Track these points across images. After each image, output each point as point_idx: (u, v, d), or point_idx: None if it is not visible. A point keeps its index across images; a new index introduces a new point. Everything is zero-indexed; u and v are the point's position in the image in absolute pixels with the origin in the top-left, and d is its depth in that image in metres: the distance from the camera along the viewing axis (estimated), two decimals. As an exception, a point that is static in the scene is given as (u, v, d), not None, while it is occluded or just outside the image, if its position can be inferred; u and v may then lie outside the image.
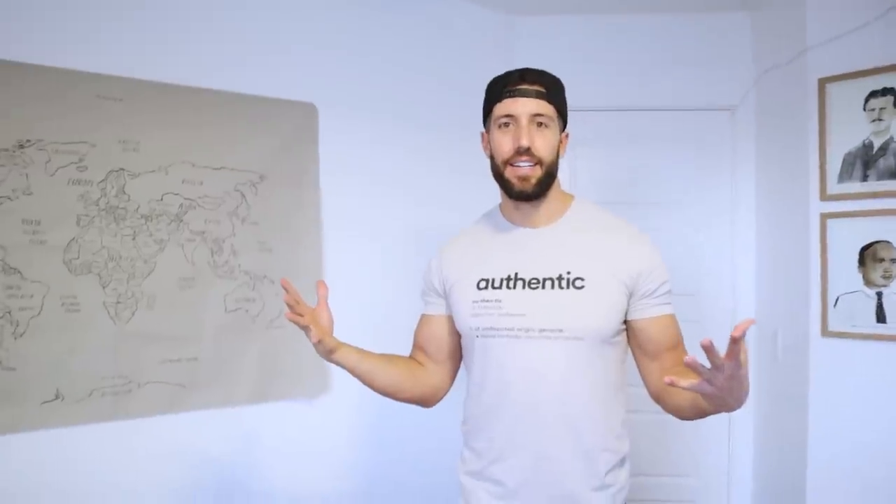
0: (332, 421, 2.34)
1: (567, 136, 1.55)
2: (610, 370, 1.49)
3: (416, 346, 1.69)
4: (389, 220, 2.51)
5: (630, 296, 1.47)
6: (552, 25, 2.86)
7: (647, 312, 1.48)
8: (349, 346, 1.56)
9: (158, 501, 2.02)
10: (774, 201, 2.69)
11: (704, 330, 2.86)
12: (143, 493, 1.99)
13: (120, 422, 1.95)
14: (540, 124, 1.46)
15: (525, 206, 1.52)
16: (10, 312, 1.78)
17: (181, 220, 2.04)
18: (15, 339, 1.78)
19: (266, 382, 2.19)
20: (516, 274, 1.51)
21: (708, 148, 2.89)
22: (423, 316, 1.68)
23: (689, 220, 2.90)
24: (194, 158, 2.07)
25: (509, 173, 1.47)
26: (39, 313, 1.82)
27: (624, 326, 1.50)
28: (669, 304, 1.51)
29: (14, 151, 1.80)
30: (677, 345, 1.50)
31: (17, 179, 1.80)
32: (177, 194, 2.04)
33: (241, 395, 2.15)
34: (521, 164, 1.45)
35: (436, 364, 1.65)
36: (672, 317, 1.51)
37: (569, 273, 1.47)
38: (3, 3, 1.81)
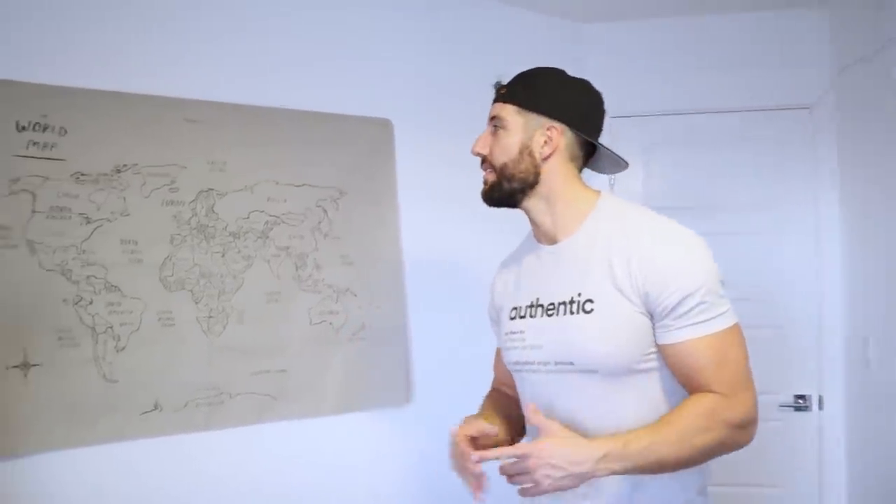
0: (414, 431, 2.37)
1: (551, 128, 1.34)
2: (644, 405, 1.28)
3: (496, 377, 1.65)
4: (466, 231, 2.54)
5: (651, 316, 1.25)
6: (621, 31, 2.86)
7: (665, 337, 1.25)
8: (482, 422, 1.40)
9: (249, 508, 2.09)
10: (861, 202, 2.61)
11: (787, 336, 2.80)
12: (234, 500, 2.06)
13: (213, 431, 2.02)
14: (495, 128, 1.38)
15: (533, 219, 1.42)
16: (111, 328, 1.88)
17: (267, 237, 2.12)
18: (117, 352, 1.88)
19: (350, 393, 2.24)
20: (537, 299, 1.39)
21: (786, 148, 2.83)
22: (497, 348, 1.61)
23: (768, 223, 2.84)
24: (277, 176, 2.15)
25: None
26: (138, 328, 1.91)
27: (653, 351, 1.28)
28: (705, 321, 1.22)
29: (112, 176, 1.90)
30: (706, 378, 1.23)
31: (116, 202, 1.90)
32: (262, 211, 2.12)
33: (327, 406, 2.20)
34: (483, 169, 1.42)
35: (509, 389, 1.56)
36: (706, 339, 1.22)
37: (579, 295, 1.30)
38: (95, 38, 1.92)
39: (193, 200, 2.01)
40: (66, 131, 1.84)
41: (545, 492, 1.19)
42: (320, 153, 2.23)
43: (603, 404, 1.29)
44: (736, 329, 1.26)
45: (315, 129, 2.23)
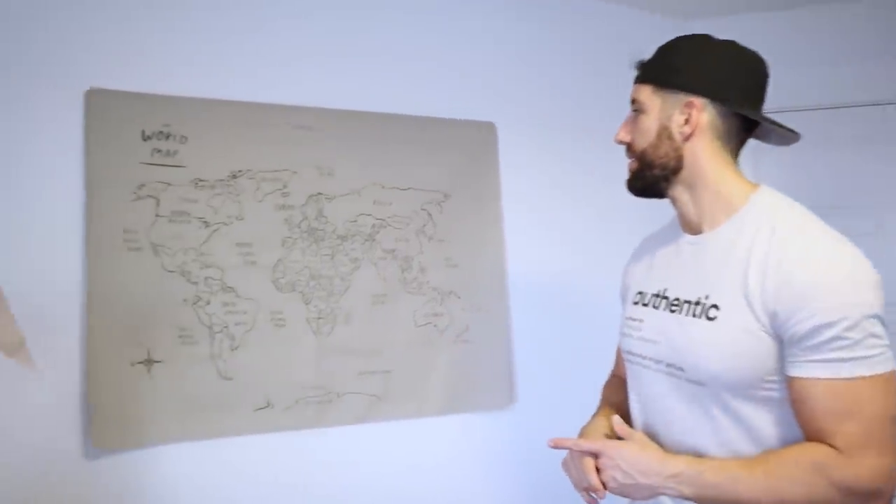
0: (517, 433, 2.36)
1: (689, 104, 1.20)
2: (746, 436, 1.14)
3: (616, 360, 1.56)
4: (570, 234, 2.52)
5: (780, 340, 1.09)
6: (729, 26, 2.73)
7: (790, 368, 1.08)
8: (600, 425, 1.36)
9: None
10: None
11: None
12: (340, 496, 2.11)
13: (322, 429, 2.07)
14: (635, 112, 1.27)
15: (677, 209, 1.29)
16: (227, 327, 1.95)
17: (373, 240, 2.16)
18: (232, 351, 1.95)
19: (454, 395, 2.25)
20: (665, 290, 1.28)
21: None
22: None
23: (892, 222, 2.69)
24: (384, 180, 2.19)
25: None
26: (252, 328, 1.98)
27: (776, 379, 1.11)
28: (838, 361, 1.03)
29: (228, 181, 1.98)
30: (826, 427, 1.05)
31: (232, 206, 1.98)
32: (369, 215, 2.16)
33: (431, 407, 2.22)
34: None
35: None
36: (835, 383, 1.03)
37: (707, 298, 1.17)
38: (211, 49, 2.01)
39: (304, 204, 2.07)
40: (186, 139, 1.93)
41: (607, 492, 1.18)
42: (425, 157, 2.26)
43: (702, 421, 1.17)
44: (884, 379, 1.04)
45: (420, 133, 2.26)
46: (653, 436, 1.25)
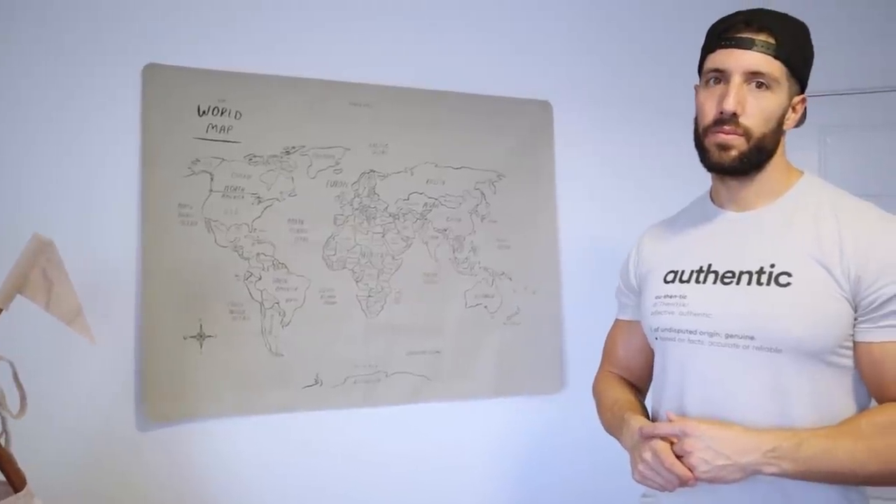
0: (567, 418, 2.33)
1: (803, 101, 1.21)
2: (823, 406, 1.13)
3: (606, 354, 1.52)
4: (625, 214, 2.44)
5: (855, 306, 1.12)
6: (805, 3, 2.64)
7: (864, 334, 1.12)
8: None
9: (398, 484, 2.12)
10: None
11: None
12: (387, 475, 2.11)
13: (370, 408, 2.07)
14: (760, 84, 1.16)
15: (733, 183, 1.24)
16: (278, 303, 1.96)
17: (425, 219, 2.14)
18: (282, 327, 1.96)
19: (503, 377, 2.22)
20: (710, 266, 1.24)
21: None
22: (616, 321, 1.52)
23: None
24: (437, 159, 2.16)
25: (709, 141, 1.20)
26: (302, 304, 1.98)
27: (850, 346, 1.14)
28: None
29: (282, 157, 1.98)
30: None
31: (284, 182, 1.98)
32: (421, 193, 2.14)
33: (480, 389, 2.20)
34: (724, 132, 1.18)
35: (630, 376, 1.46)
36: None
37: (773, 266, 1.16)
38: (266, 26, 2.00)
39: (356, 182, 2.06)
40: (240, 115, 1.93)
41: (695, 479, 1.08)
42: (479, 136, 2.22)
43: (774, 393, 1.14)
44: None
45: (474, 111, 2.22)
46: (709, 416, 1.18)
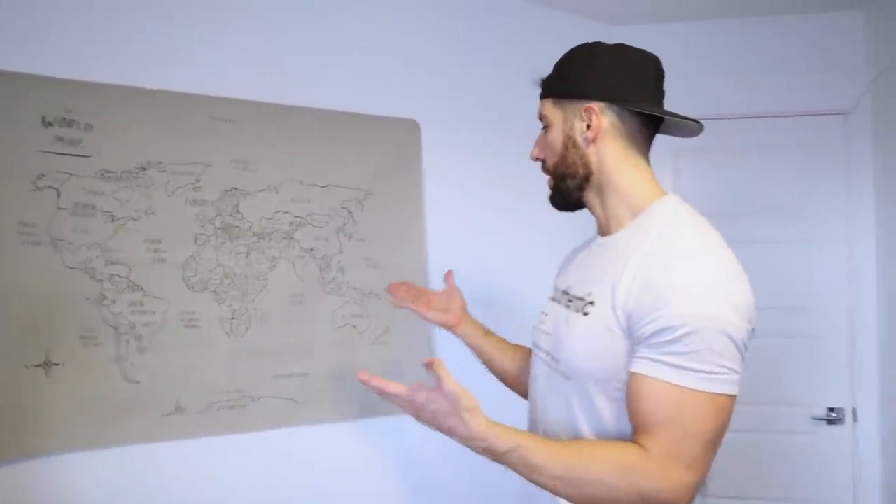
0: (438, 436, 2.32)
1: (587, 109, 1.22)
2: (609, 428, 1.15)
3: None
4: (493, 235, 2.49)
5: (632, 342, 1.10)
6: (651, 34, 2.81)
7: (631, 364, 1.09)
8: (476, 323, 1.65)
9: (271, 515, 2.05)
10: (897, 209, 2.55)
11: (820, 347, 2.74)
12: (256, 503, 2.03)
13: (236, 435, 1.98)
14: (545, 127, 1.32)
15: (591, 212, 1.31)
16: (134, 327, 1.84)
17: (291, 238, 2.08)
18: (139, 353, 1.84)
19: (374, 397, 2.17)
20: (569, 288, 1.31)
21: (820, 154, 2.76)
22: None
23: (801, 230, 2.78)
24: (302, 176, 2.11)
25: None
26: (161, 329, 1.88)
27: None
28: (675, 367, 1.03)
29: (137, 173, 1.87)
30: (646, 429, 1.06)
31: (140, 200, 1.87)
32: (287, 212, 2.08)
33: (351, 410, 2.16)
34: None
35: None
36: (668, 387, 1.03)
37: (589, 295, 1.20)
38: (121, 33, 1.89)
39: (218, 199, 1.98)
40: (91, 127, 1.81)
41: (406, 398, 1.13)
42: (346, 153, 2.19)
43: (567, 413, 1.20)
44: (711, 399, 1.03)
45: (341, 128, 2.19)
46: (537, 425, 1.31)
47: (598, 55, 1.26)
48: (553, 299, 1.37)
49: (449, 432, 1.10)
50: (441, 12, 2.45)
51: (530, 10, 2.64)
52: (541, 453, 1.07)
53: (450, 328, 1.66)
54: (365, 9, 2.29)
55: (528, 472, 1.08)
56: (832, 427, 2.72)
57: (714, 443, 1.06)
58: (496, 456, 1.08)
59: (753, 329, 1.10)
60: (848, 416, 2.70)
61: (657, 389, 1.04)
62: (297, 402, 2.07)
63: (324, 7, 2.22)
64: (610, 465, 1.05)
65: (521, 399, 1.55)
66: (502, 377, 1.63)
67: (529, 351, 1.52)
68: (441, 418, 1.09)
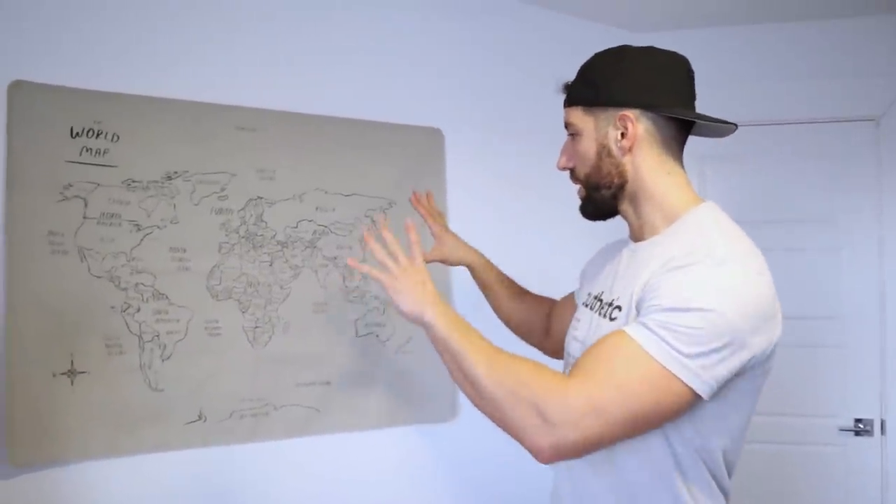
0: (459, 447, 2.32)
1: (622, 118, 1.20)
2: (641, 447, 1.13)
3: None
4: (518, 243, 2.48)
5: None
6: (676, 41, 2.75)
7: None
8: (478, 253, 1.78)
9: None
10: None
11: (849, 357, 2.69)
12: (279, 514, 2.03)
13: (258, 443, 1.99)
14: (572, 135, 1.28)
15: (625, 219, 1.30)
16: (158, 336, 1.86)
17: (315, 247, 2.09)
18: (163, 361, 1.86)
19: (396, 407, 2.19)
20: (602, 293, 1.28)
21: (850, 161, 2.71)
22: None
23: (831, 238, 2.73)
24: (326, 186, 2.12)
25: None
26: (185, 337, 1.89)
27: None
28: (641, 326, 1.04)
29: (163, 183, 1.89)
30: (585, 368, 1.06)
31: (166, 209, 1.89)
32: (311, 221, 2.09)
33: (372, 419, 2.16)
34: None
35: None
36: (620, 334, 1.05)
37: (618, 300, 1.19)
38: (148, 45, 1.91)
39: (242, 209, 1.99)
40: (118, 138, 1.83)
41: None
42: (370, 162, 2.20)
43: None
44: (672, 385, 1.01)
45: (365, 137, 2.19)
46: None
47: (628, 59, 1.23)
48: (585, 304, 1.35)
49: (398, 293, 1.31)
50: (465, 21, 2.45)
51: (554, 19, 2.63)
52: (474, 340, 1.18)
53: (444, 261, 1.84)
54: (388, 18, 2.29)
55: (460, 357, 1.18)
56: (860, 438, 2.66)
57: (636, 418, 1.02)
58: (435, 334, 1.23)
59: (774, 347, 1.08)
60: (876, 428, 2.65)
61: (613, 336, 1.07)
62: (319, 410, 2.07)
63: (346, 17, 2.22)
64: (525, 374, 1.08)
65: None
66: (507, 315, 1.82)
67: (535, 296, 1.73)
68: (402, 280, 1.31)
